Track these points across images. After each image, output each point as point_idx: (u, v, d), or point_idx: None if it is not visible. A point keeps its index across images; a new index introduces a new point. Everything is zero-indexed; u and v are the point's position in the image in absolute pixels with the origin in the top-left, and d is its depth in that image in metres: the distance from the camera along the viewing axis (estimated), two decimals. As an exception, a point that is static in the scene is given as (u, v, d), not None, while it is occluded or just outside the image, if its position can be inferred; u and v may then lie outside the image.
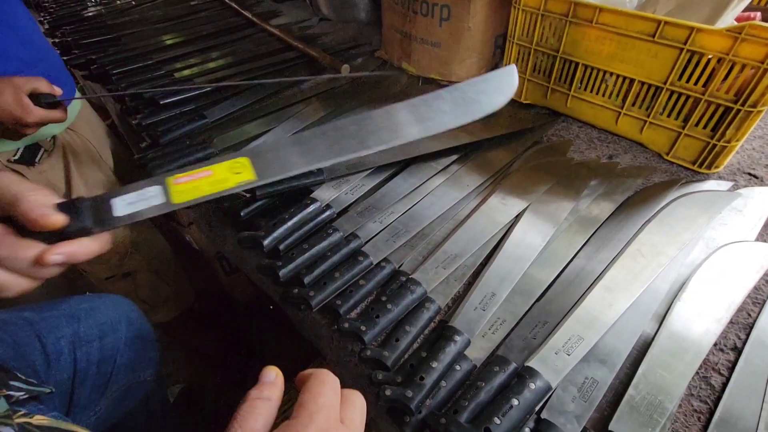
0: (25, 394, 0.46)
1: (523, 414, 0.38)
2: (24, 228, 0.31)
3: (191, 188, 0.36)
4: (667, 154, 0.66)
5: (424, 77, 0.90)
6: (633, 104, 0.66)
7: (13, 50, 0.72)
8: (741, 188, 0.60)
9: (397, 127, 0.42)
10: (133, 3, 1.41)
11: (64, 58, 1.00)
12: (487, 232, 0.55)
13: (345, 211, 0.60)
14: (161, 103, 0.82)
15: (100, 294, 0.72)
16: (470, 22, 0.78)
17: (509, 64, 0.75)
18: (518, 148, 0.69)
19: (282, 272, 0.51)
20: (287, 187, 0.61)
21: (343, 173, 0.64)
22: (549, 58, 0.72)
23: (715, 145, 0.60)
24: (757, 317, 0.45)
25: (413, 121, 0.42)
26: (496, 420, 0.37)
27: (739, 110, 0.56)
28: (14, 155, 0.76)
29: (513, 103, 0.82)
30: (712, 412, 0.39)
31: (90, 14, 1.33)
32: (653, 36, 0.59)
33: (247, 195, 0.61)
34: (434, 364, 0.41)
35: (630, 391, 0.39)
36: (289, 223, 0.56)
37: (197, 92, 0.85)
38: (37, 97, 0.66)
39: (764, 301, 0.47)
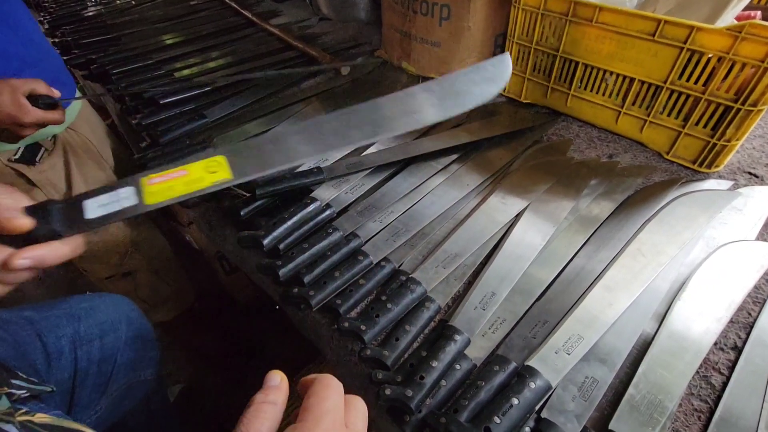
0: (26, 393, 0.47)
1: (523, 413, 0.38)
2: None
3: (165, 188, 0.35)
4: (667, 153, 0.66)
5: (424, 77, 0.90)
6: (633, 103, 0.66)
7: (14, 50, 0.72)
8: (741, 187, 0.60)
9: (382, 121, 0.42)
10: (133, 3, 1.41)
11: (64, 57, 1.01)
12: (487, 232, 0.55)
13: (345, 210, 0.60)
14: (161, 102, 0.82)
15: (101, 293, 0.73)
16: (470, 21, 0.78)
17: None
18: (518, 148, 0.69)
19: (282, 272, 0.51)
20: (287, 186, 0.61)
21: (343, 172, 0.64)
22: (549, 57, 0.72)
23: (715, 145, 0.60)
24: (757, 316, 0.45)
25: (399, 114, 0.42)
26: (496, 419, 0.37)
27: (739, 109, 0.56)
28: (15, 154, 0.76)
29: (513, 102, 0.82)
30: (712, 412, 0.39)
31: (90, 14, 1.33)
32: (653, 35, 0.59)
33: (247, 195, 0.61)
34: (434, 364, 0.41)
35: (630, 390, 0.39)
36: (289, 223, 0.56)
37: (197, 92, 0.85)
38: (35, 99, 0.65)
39: (764, 301, 0.47)
